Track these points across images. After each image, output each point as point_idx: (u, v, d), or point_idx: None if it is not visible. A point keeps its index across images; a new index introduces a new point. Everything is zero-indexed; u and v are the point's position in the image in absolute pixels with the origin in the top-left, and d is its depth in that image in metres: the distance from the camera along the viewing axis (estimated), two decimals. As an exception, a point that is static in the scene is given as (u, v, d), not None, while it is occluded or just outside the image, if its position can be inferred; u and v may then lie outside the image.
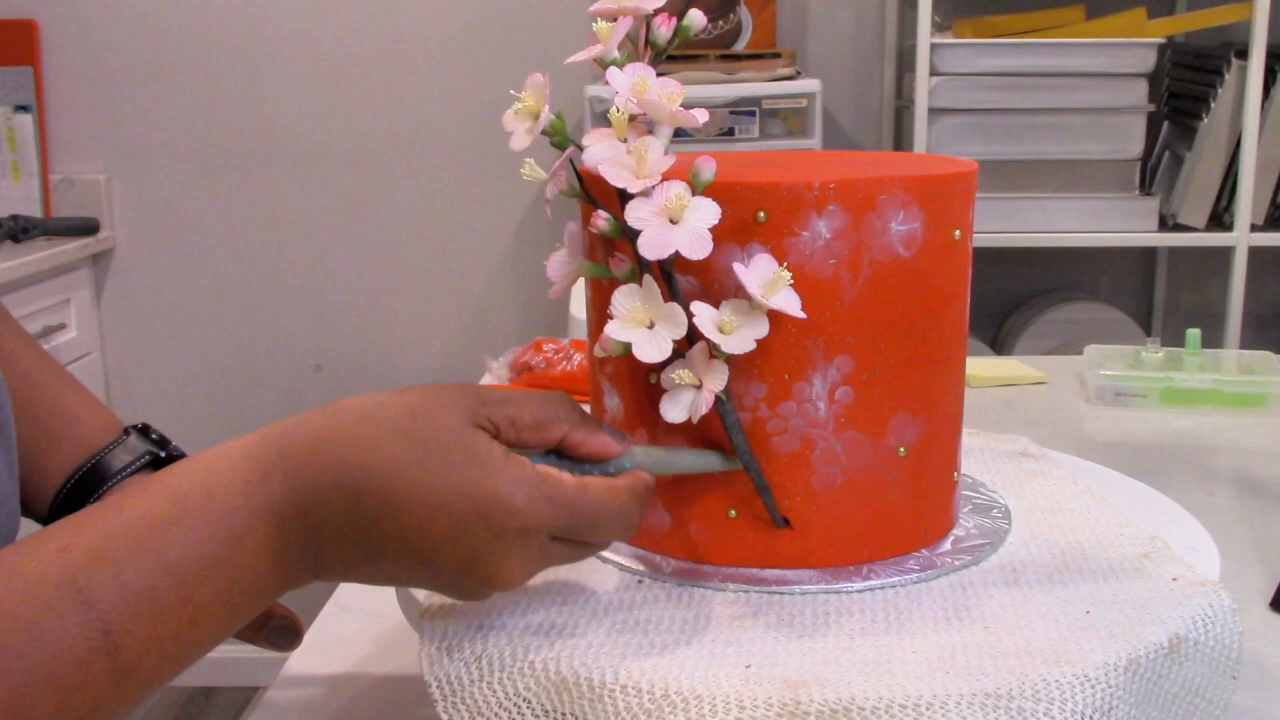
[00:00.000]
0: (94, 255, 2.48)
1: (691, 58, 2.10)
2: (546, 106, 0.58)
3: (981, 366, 1.37)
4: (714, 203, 0.55)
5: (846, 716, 0.49)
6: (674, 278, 0.57)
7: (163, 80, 2.44)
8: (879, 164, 0.65)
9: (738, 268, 0.56)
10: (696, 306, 0.56)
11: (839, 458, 0.60)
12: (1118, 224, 2.06)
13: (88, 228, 2.42)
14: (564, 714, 0.51)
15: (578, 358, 1.28)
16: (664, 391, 0.58)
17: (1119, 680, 0.51)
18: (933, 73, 2.02)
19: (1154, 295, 2.41)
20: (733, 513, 0.61)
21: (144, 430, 0.72)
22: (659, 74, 0.58)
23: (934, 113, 2.03)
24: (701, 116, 0.57)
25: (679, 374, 0.57)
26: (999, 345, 2.31)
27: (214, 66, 2.44)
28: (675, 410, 0.57)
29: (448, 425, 0.52)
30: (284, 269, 2.51)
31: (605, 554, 0.64)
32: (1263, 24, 1.95)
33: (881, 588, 0.60)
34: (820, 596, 0.59)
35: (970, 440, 0.80)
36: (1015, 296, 2.38)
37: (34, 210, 2.42)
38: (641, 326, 0.56)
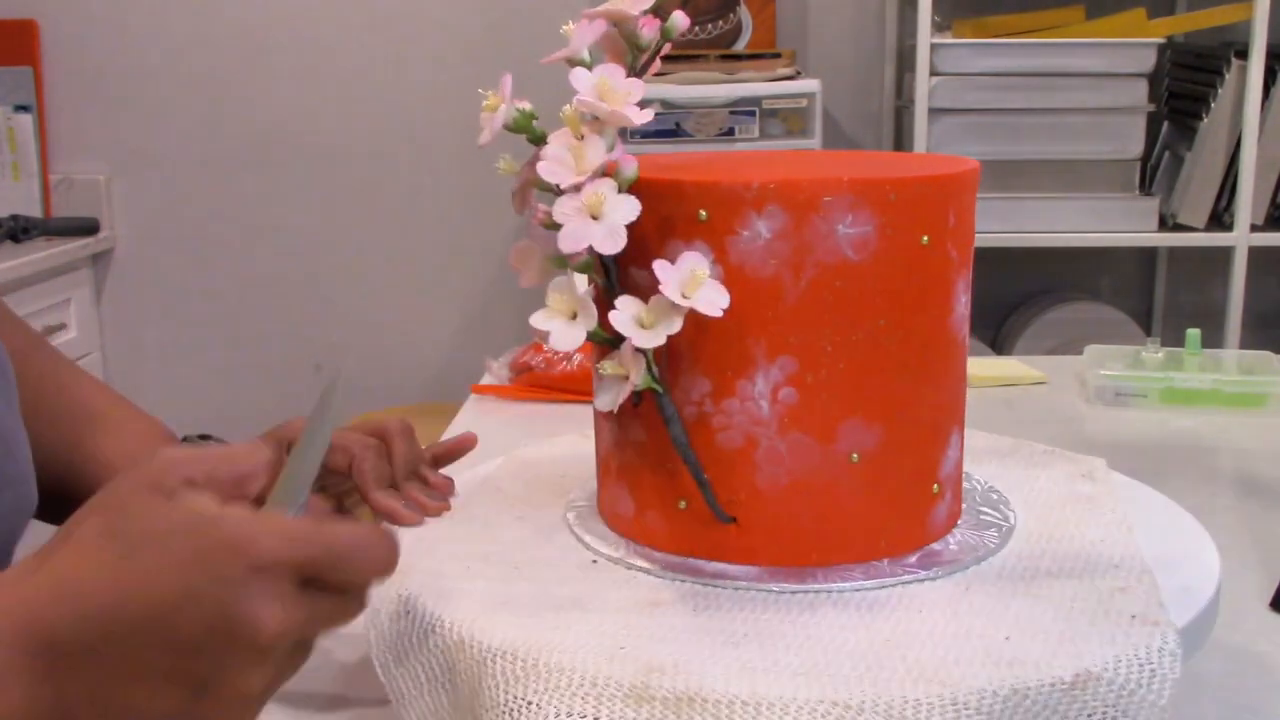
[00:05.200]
0: (94, 255, 2.48)
1: (691, 58, 2.10)
2: (505, 103, 0.60)
3: (981, 366, 1.37)
4: (635, 200, 0.57)
5: (690, 705, 0.50)
6: (611, 270, 0.59)
7: (163, 80, 2.44)
8: (841, 165, 0.65)
9: (658, 265, 0.56)
10: (620, 301, 0.57)
11: (783, 458, 0.60)
12: (1118, 224, 2.06)
13: (88, 228, 2.42)
14: (458, 676, 0.55)
15: (578, 358, 1.28)
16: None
17: (993, 708, 0.50)
18: (933, 73, 2.02)
19: (1154, 295, 2.41)
20: (683, 504, 0.62)
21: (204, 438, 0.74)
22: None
23: (934, 113, 2.03)
24: (641, 118, 0.58)
25: (606, 365, 0.59)
26: (999, 345, 2.31)
27: (214, 66, 2.44)
28: (604, 399, 0.60)
29: (145, 505, 0.47)
30: (284, 269, 2.51)
31: (578, 531, 0.66)
32: (1263, 24, 1.95)
33: (813, 592, 0.60)
34: (747, 593, 0.59)
35: (1034, 457, 0.79)
36: (1015, 296, 2.38)
37: (34, 210, 2.42)
38: (563, 317, 0.59)
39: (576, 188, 0.57)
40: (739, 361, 0.59)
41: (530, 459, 0.81)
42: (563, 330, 0.58)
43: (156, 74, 2.44)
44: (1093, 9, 2.13)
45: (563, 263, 0.60)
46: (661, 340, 0.57)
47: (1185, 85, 2.18)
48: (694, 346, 0.59)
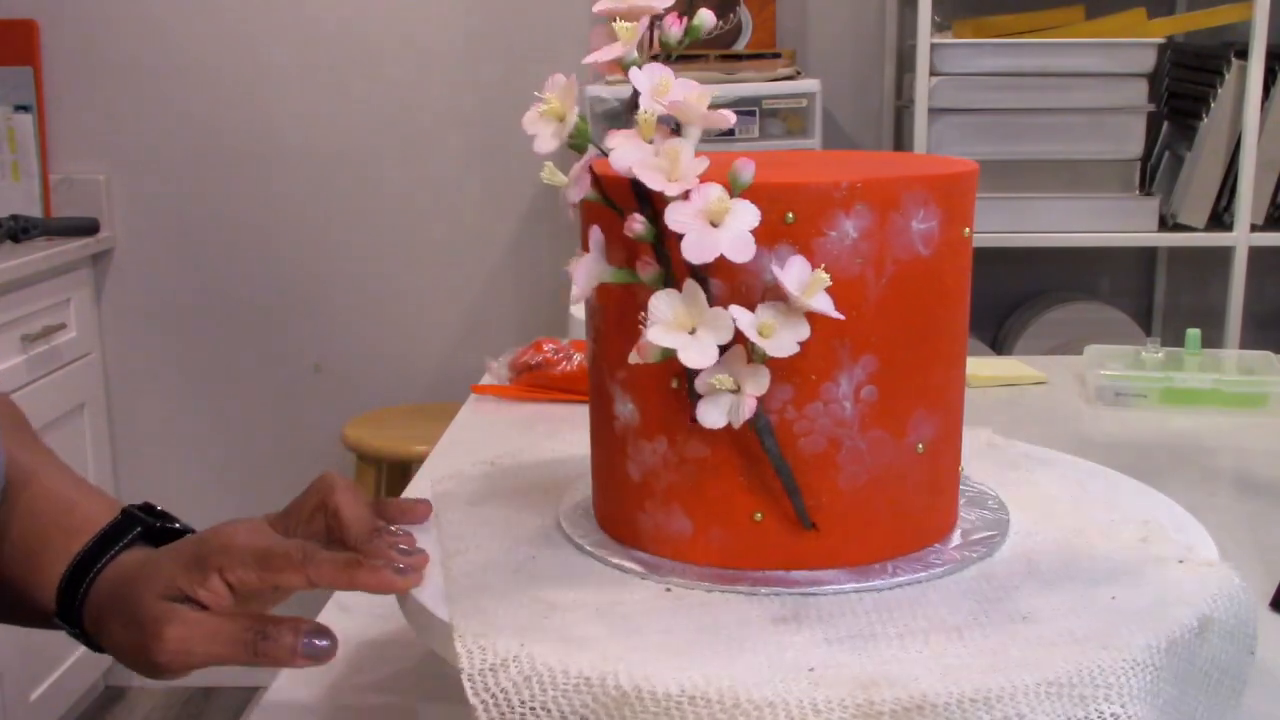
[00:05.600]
0: (94, 255, 2.48)
1: (691, 58, 2.10)
2: (575, 109, 0.57)
3: (981, 366, 1.37)
4: (753, 205, 0.55)
5: (920, 714, 0.49)
6: (708, 281, 0.56)
7: (163, 80, 2.44)
8: (891, 164, 0.65)
9: (775, 269, 0.55)
10: (736, 310, 0.55)
11: (864, 456, 0.60)
12: (1118, 224, 2.06)
13: (88, 228, 2.42)
14: None
15: (577, 357, 1.28)
16: (697, 397, 0.57)
17: (1162, 662, 0.53)
18: (933, 73, 2.02)
19: (1154, 295, 2.41)
20: (759, 516, 0.60)
21: (145, 509, 0.70)
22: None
23: (934, 113, 2.03)
24: (731, 118, 0.57)
25: (718, 378, 0.56)
26: (999, 345, 2.31)
27: (214, 67, 2.44)
28: (714, 415, 0.57)
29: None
30: (284, 269, 2.51)
31: (622, 562, 0.62)
32: (1263, 24, 1.95)
33: (910, 584, 0.60)
34: (853, 596, 0.59)
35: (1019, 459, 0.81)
36: (1015, 296, 2.38)
37: (34, 210, 2.42)
38: (684, 331, 0.56)
39: (685, 195, 0.54)
40: (825, 364, 0.58)
41: (526, 460, 0.80)
42: (689, 346, 0.55)
43: (156, 74, 2.44)
44: (1093, 9, 2.13)
45: (633, 276, 0.57)
46: (794, 348, 0.55)
47: (1185, 85, 2.18)
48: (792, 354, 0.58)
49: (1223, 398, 1.26)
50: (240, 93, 2.45)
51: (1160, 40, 2.02)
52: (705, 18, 0.60)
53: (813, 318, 0.56)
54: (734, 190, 0.55)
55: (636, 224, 0.56)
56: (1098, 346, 1.37)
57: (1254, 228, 2.03)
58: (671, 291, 0.56)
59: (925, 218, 0.59)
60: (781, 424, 0.59)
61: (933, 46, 2.01)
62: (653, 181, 0.54)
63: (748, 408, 0.56)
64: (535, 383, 1.29)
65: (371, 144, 2.46)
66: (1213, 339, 1.82)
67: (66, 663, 2.30)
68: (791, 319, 0.56)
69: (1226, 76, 2.01)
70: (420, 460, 1.50)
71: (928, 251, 0.60)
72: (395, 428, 2.28)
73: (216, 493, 2.56)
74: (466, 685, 0.52)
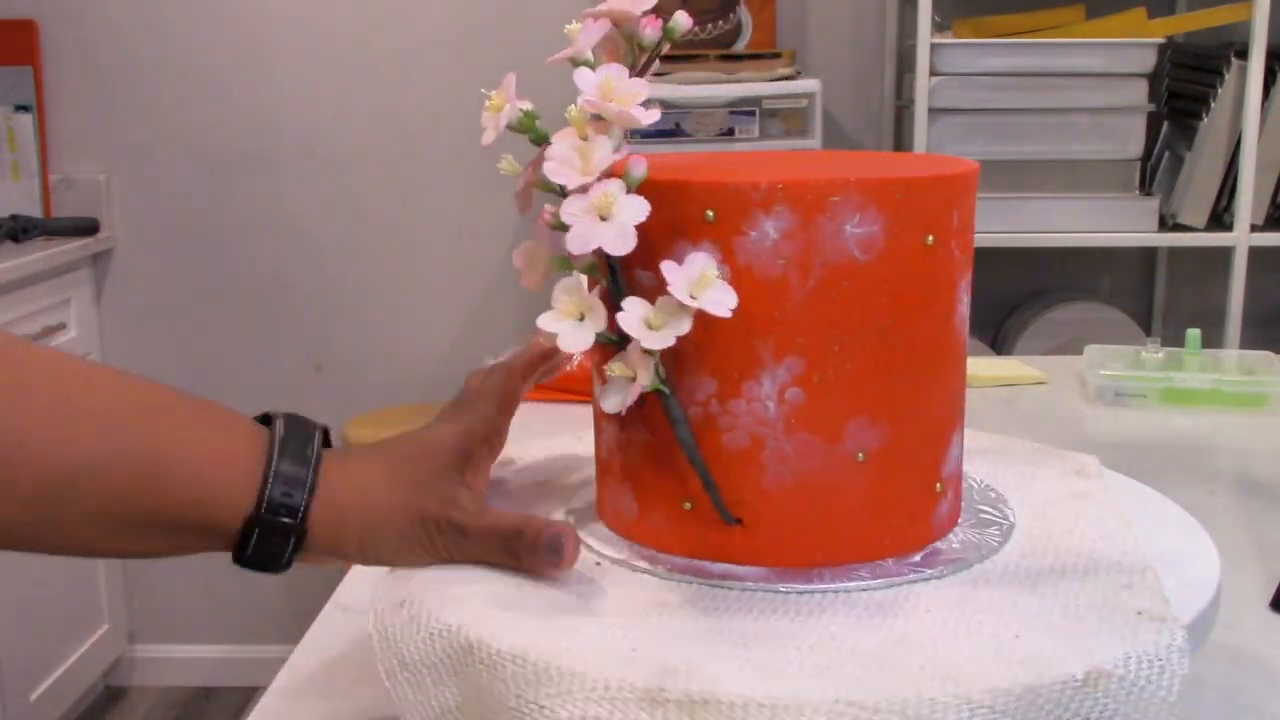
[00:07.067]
0: (94, 255, 2.48)
1: (691, 58, 2.10)
2: (510, 103, 0.60)
3: (981, 366, 1.37)
4: (644, 201, 0.56)
5: (704, 709, 0.50)
6: (617, 271, 0.59)
7: (163, 80, 2.45)
8: (847, 165, 0.65)
9: (666, 266, 0.56)
10: (628, 302, 0.57)
11: (789, 459, 0.60)
12: (1118, 224, 2.06)
13: (88, 228, 2.42)
14: (466, 681, 0.55)
15: (578, 358, 1.28)
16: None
17: (1008, 706, 0.50)
18: (933, 73, 2.02)
19: (1154, 295, 2.41)
20: (688, 505, 0.62)
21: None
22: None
23: (934, 113, 2.03)
24: (648, 118, 0.58)
25: (613, 366, 0.58)
26: (999, 345, 2.31)
27: (214, 66, 2.44)
28: (612, 401, 0.59)
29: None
30: (284, 269, 2.52)
31: (584, 538, 0.65)
32: (1263, 24, 1.95)
33: (820, 592, 0.59)
34: (757, 595, 0.59)
35: (1026, 454, 0.79)
36: (1015, 296, 2.38)
37: (34, 210, 2.42)
38: (572, 318, 0.58)
39: (584, 188, 0.57)
40: (746, 362, 0.59)
41: (527, 461, 0.81)
42: (571, 331, 0.58)
43: (156, 74, 2.44)
44: (1093, 9, 2.13)
45: (567, 264, 0.59)
46: (670, 341, 0.57)
47: (1185, 85, 2.18)
48: (700, 348, 0.59)
49: (1223, 398, 1.26)
50: (240, 93, 2.45)
51: (1160, 40, 2.02)
52: (680, 20, 0.62)
53: (739, 314, 0.57)
54: (629, 186, 0.57)
55: (547, 214, 0.58)
56: (1098, 346, 1.37)
57: (1254, 228, 2.04)
58: (572, 280, 0.58)
59: (862, 222, 0.58)
60: (706, 417, 0.60)
61: (933, 46, 2.01)
62: (557, 174, 0.57)
63: (632, 395, 0.58)
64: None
65: (372, 143, 2.46)
66: (1213, 339, 1.82)
67: (66, 663, 2.30)
68: (681, 315, 0.57)
69: (1226, 76, 2.01)
70: (420, 460, 1.49)
71: (866, 257, 0.58)
72: (395, 427, 2.26)
73: (216, 493, 2.56)
74: (370, 617, 0.58)
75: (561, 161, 0.58)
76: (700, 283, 0.56)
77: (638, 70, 0.62)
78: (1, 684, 2.08)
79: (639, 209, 0.56)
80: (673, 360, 0.60)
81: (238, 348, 2.54)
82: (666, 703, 0.50)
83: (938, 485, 0.64)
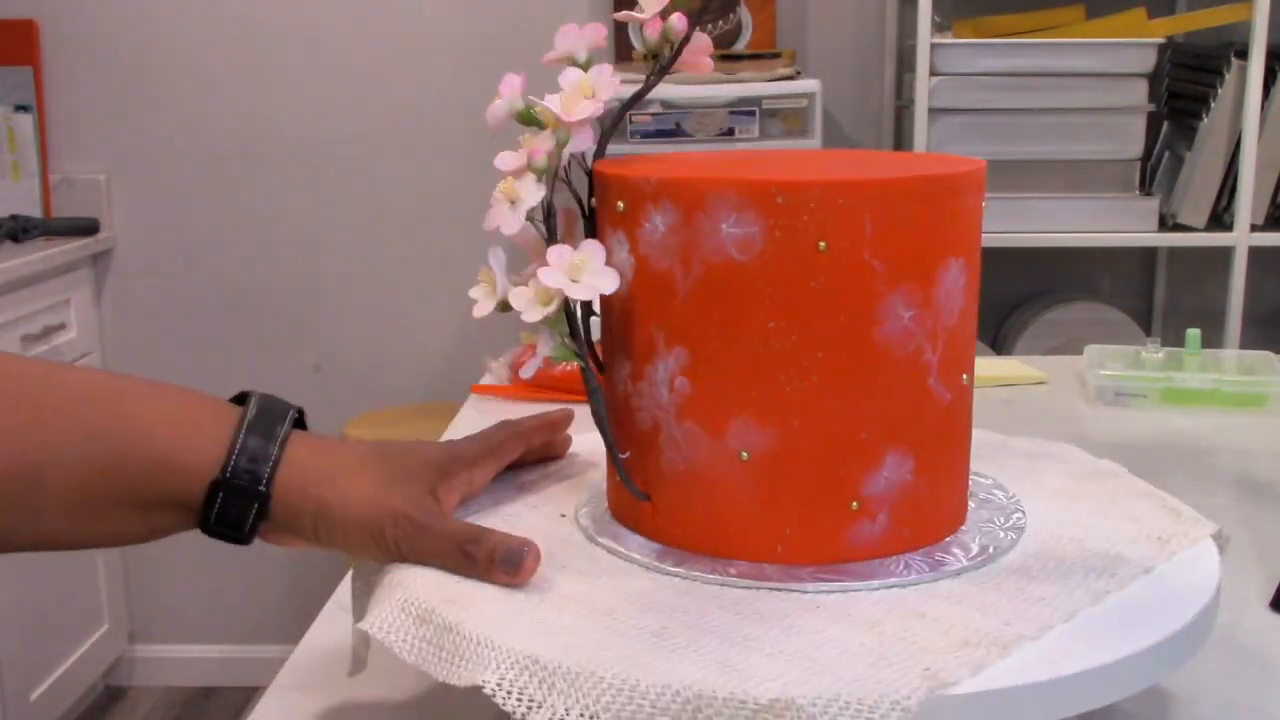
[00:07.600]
0: (94, 255, 2.48)
1: (691, 58, 2.10)
2: (500, 99, 0.66)
3: (981, 366, 1.37)
4: (541, 189, 0.63)
5: (449, 636, 0.55)
6: (555, 236, 0.65)
7: (163, 80, 2.45)
8: (809, 165, 0.66)
9: (551, 251, 0.62)
10: (553, 251, 0.62)
11: (680, 445, 0.63)
12: (1118, 224, 2.07)
13: (88, 228, 2.42)
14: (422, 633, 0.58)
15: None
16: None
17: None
18: (933, 73, 2.02)
19: (1154, 295, 2.41)
20: (616, 477, 0.66)
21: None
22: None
23: (934, 113, 2.03)
24: (587, 113, 0.64)
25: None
26: (999, 345, 2.31)
27: (214, 66, 2.44)
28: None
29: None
30: (284, 269, 2.52)
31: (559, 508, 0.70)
32: (1263, 24, 1.95)
33: (686, 579, 0.61)
34: (640, 571, 0.62)
35: (1038, 453, 0.79)
36: (1015, 296, 2.39)
37: (34, 210, 2.43)
38: (487, 294, 0.66)
39: (518, 174, 0.65)
40: (646, 348, 0.63)
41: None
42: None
43: (156, 74, 2.44)
44: (1093, 9, 2.13)
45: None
46: (539, 316, 0.62)
47: (1185, 85, 2.18)
48: (621, 330, 0.64)
49: (1223, 398, 1.26)
50: (240, 93, 2.45)
51: (1160, 40, 2.02)
52: (674, 22, 0.65)
53: (639, 302, 0.63)
54: (537, 175, 0.64)
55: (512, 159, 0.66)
56: (1098, 346, 1.37)
57: (1254, 228, 2.04)
58: (494, 253, 0.67)
59: (739, 223, 0.58)
60: (624, 396, 0.65)
61: (933, 46, 2.01)
62: (501, 162, 0.65)
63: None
64: (535, 382, 1.29)
65: (372, 143, 2.46)
66: (1213, 339, 1.82)
67: (67, 663, 2.30)
68: (606, 273, 0.63)
69: (1226, 76, 2.01)
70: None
71: (744, 258, 0.59)
72: (395, 428, 2.28)
73: (216, 493, 2.56)
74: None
75: (509, 151, 0.65)
76: (574, 267, 0.62)
77: (654, 72, 0.66)
78: (1, 684, 2.08)
79: (535, 195, 0.64)
80: (609, 339, 0.66)
81: (237, 348, 2.54)
82: (426, 623, 0.57)
83: (854, 504, 0.62)
